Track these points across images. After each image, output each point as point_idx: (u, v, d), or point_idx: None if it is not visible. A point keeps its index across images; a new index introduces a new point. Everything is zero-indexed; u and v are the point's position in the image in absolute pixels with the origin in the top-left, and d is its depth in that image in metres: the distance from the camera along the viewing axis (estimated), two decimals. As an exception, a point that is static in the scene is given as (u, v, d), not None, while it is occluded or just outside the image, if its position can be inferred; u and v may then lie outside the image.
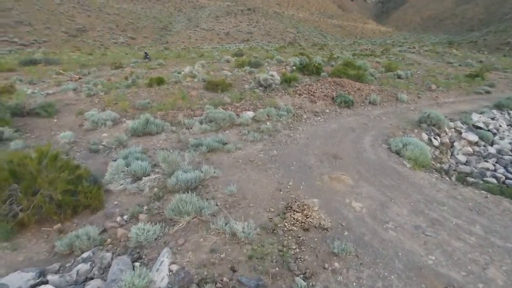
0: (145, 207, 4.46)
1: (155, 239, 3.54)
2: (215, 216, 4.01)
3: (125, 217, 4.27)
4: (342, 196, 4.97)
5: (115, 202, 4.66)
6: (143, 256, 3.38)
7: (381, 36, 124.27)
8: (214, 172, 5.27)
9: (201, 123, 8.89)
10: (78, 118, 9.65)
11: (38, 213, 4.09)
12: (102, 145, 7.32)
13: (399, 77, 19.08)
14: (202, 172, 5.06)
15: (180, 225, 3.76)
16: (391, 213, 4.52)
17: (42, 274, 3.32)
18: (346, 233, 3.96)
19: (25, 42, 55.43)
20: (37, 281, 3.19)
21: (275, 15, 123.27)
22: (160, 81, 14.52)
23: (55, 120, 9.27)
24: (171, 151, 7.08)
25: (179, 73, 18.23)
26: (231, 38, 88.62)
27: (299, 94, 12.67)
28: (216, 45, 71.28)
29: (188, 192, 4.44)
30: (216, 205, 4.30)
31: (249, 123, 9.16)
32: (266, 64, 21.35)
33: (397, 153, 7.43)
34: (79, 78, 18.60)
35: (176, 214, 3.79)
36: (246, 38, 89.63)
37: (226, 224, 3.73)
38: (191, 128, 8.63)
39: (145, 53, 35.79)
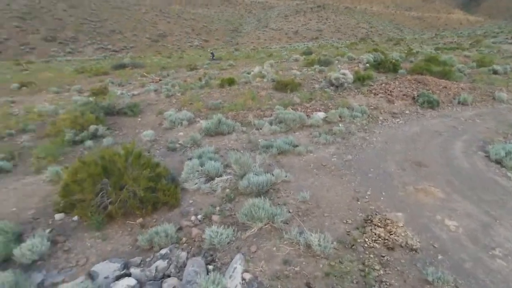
0: (218, 208, 4.50)
1: (228, 243, 3.51)
2: (287, 224, 3.83)
3: (199, 216, 4.36)
4: (431, 211, 4.35)
5: (190, 201, 4.80)
6: (216, 260, 3.37)
7: (469, 26, 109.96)
8: (286, 176, 5.09)
9: (270, 124, 8.81)
10: (158, 118, 10.42)
11: (123, 206, 4.43)
12: (179, 144, 7.73)
13: (495, 72, 16.46)
14: (273, 175, 4.93)
15: (252, 230, 3.68)
16: (497, 236, 3.78)
17: (126, 266, 3.55)
18: (440, 257, 3.42)
19: (116, 48, 62.81)
20: (122, 272, 3.40)
21: (346, 10, 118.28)
22: (231, 82, 14.91)
23: (139, 119, 10.16)
24: (242, 152, 7.14)
25: (249, 73, 18.55)
26: (299, 37, 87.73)
27: (375, 94, 11.77)
28: (285, 44, 71.25)
29: (260, 196, 4.35)
30: (289, 212, 4.11)
31: (320, 124, 8.78)
32: (337, 62, 20.44)
33: (498, 162, 6.31)
34: (159, 80, 20.25)
35: (249, 219, 3.72)
36: (315, 36, 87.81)
37: (300, 234, 3.53)
38: (261, 129, 8.61)
39: (211, 53, 37.37)
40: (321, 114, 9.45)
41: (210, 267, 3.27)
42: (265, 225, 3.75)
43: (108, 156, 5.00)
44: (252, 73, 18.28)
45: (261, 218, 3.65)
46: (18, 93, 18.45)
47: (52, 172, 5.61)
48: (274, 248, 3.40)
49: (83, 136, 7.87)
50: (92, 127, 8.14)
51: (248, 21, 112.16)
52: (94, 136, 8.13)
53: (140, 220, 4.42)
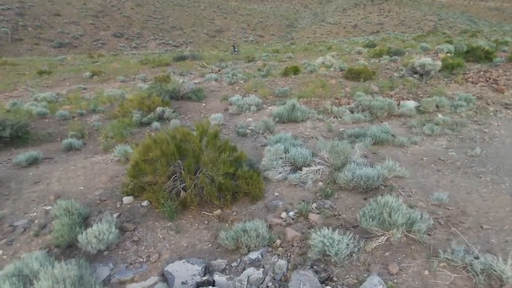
0: (314, 205, 3.52)
1: (348, 255, 2.52)
2: (429, 235, 2.73)
3: (290, 213, 3.44)
4: None
5: (276, 193, 3.91)
6: (335, 278, 2.40)
7: None
8: (398, 171, 3.93)
9: (352, 111, 7.61)
10: (223, 103, 9.79)
11: (199, 194, 3.68)
12: (249, 129, 6.93)
13: None
14: (384, 168, 3.81)
15: (379, 240, 2.64)
16: None
17: (208, 270, 2.75)
18: None
19: (176, 43, 65.33)
20: (203, 279, 2.60)
21: (411, 2, 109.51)
22: (296, 70, 13.84)
23: (203, 104, 9.62)
24: (323, 139, 6.09)
25: (309, 64, 17.34)
26: (358, 31, 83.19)
27: (473, 82, 9.84)
28: (342, 38, 67.95)
29: (367, 193, 3.29)
30: (435, 220, 2.96)
31: (412, 114, 7.35)
32: (407, 53, 18.21)
33: None
34: (219, 70, 19.95)
35: (376, 225, 2.67)
36: (375, 30, 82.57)
37: (465, 253, 2.39)
38: (340, 117, 7.46)
39: (233, 46, 35.85)
40: (412, 103, 7.97)
41: None
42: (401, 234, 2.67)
43: (181, 135, 4.31)
44: (314, 63, 17.02)
45: (396, 223, 2.59)
46: (90, 81, 19.44)
47: (120, 151, 5.13)
48: (426, 272, 2.32)
49: (150, 117, 7.46)
50: (158, 109, 7.71)
51: (304, 16, 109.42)
52: (161, 118, 7.69)
53: (217, 211, 3.63)
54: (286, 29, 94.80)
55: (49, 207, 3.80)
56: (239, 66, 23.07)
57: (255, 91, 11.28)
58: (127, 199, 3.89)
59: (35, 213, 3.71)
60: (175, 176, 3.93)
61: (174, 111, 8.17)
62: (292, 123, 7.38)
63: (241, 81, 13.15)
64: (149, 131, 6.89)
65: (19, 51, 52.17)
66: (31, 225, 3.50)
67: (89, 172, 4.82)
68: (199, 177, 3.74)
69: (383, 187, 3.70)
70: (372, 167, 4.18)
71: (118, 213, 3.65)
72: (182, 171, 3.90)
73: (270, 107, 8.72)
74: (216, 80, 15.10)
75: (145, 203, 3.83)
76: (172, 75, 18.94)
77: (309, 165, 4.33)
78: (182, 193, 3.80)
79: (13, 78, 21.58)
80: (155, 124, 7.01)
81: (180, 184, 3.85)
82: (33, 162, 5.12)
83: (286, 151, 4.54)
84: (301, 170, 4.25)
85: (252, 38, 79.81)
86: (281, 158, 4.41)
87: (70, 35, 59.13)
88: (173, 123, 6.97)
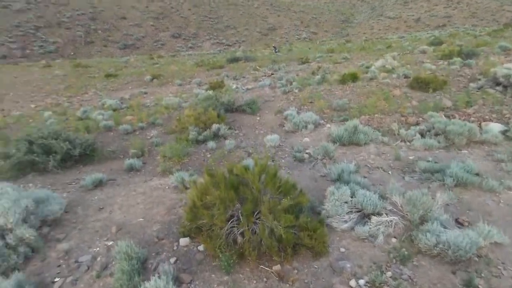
0: (389, 274, 3.06)
1: None
2: None
3: (361, 282, 3.02)
4: None
5: (341, 249, 3.51)
6: None
7: None
8: (496, 237, 3.27)
9: (422, 135, 6.81)
10: (277, 117, 9.50)
11: (258, 246, 3.43)
12: (307, 153, 6.54)
13: None
14: (478, 234, 3.18)
15: None
16: None
17: None
18: None
19: (229, 42, 66.66)
20: None
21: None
22: (354, 77, 13.00)
23: (257, 118, 9.42)
24: (390, 173, 5.48)
25: (367, 67, 16.17)
26: (421, 25, 76.96)
27: None
28: (403, 34, 63.33)
29: (455, 264, 2.74)
30: None
31: (498, 141, 6.32)
32: (482, 53, 15.88)
33: None
34: (272, 74, 19.70)
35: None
36: (441, 24, 75.68)
37: None
38: (409, 142, 6.72)
39: (274, 47, 34.84)
40: (497, 126, 6.88)
41: None
42: None
43: (239, 171, 4.10)
44: (373, 67, 15.82)
45: None
46: (150, 84, 20.56)
47: (178, 178, 5.11)
48: None
49: (206, 135, 7.45)
50: (214, 126, 7.68)
51: (361, 11, 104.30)
52: (216, 136, 7.65)
53: (277, 267, 3.35)
54: (341, 25, 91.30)
55: (110, 243, 3.86)
56: (292, 68, 22.59)
57: (310, 102, 10.81)
58: (183, 241, 3.79)
59: (98, 248, 3.79)
60: (233, 220, 3.74)
61: (229, 128, 8.08)
62: (354, 146, 6.82)
63: (296, 90, 12.73)
64: (204, 151, 6.86)
65: (90, 53, 57.48)
66: (94, 263, 3.57)
67: (148, 200, 4.87)
68: (260, 229, 3.49)
69: (476, 258, 3.10)
70: (460, 226, 3.55)
71: (175, 258, 3.56)
72: (240, 216, 3.70)
73: (328, 125, 8.21)
74: (269, 86, 14.86)
75: (201, 247, 3.70)
76: (226, 80, 19.19)
77: (379, 214, 3.84)
78: (240, 240, 3.60)
79: (85, 81, 23.68)
80: (211, 144, 6.95)
81: (238, 230, 3.65)
82: (98, 184, 5.34)
83: (352, 194, 4.09)
84: (369, 219, 3.79)
85: (305, 36, 78.28)
86: (346, 202, 3.98)
87: (134, 37, 63.54)
88: (229, 144, 6.85)
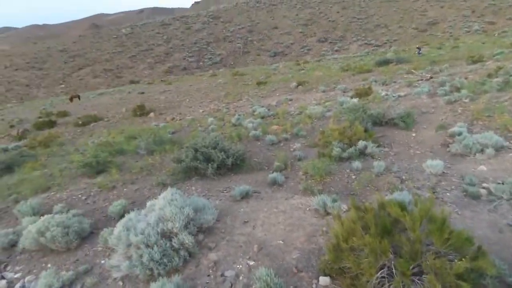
0: None
1: None
2: None
3: None
4: None
5: None
6: None
7: None
8: None
9: None
10: (439, 135, 7.92)
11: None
12: (484, 188, 5.08)
13: None
14: None
15: None
16: None
17: None
18: None
19: (379, 43, 62.05)
20: None
21: None
22: None
23: (413, 135, 8.12)
24: None
25: None
26: None
27: None
28: None
29: None
30: None
31: None
32: None
33: None
34: (430, 77, 16.96)
35: None
36: None
37: None
38: None
39: (418, 47, 32.27)
40: None
41: None
42: None
43: (393, 211, 3.45)
44: None
45: None
46: (295, 91, 21.30)
47: (319, 202, 4.85)
48: None
49: (351, 152, 6.91)
50: (360, 143, 7.03)
51: None
52: (362, 153, 6.99)
53: None
54: (534, 9, 70.25)
55: (252, 263, 3.95)
56: (458, 70, 18.89)
57: (488, 116, 8.55)
58: (323, 281, 3.49)
59: (241, 266, 3.95)
60: (383, 270, 3.16)
61: (378, 145, 7.24)
62: None
63: (466, 100, 10.39)
64: (348, 171, 6.34)
65: (246, 62, 65.04)
66: (236, 281, 3.72)
67: (288, 220, 4.81)
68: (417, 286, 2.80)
69: None
70: None
71: (313, 303, 3.30)
72: (393, 268, 3.08)
73: (518, 151, 6.21)
74: (428, 93, 12.76)
75: (343, 293, 3.29)
76: (374, 85, 17.72)
77: None
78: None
79: (240, 88, 26.81)
80: (356, 164, 6.36)
81: (389, 285, 3.05)
82: (245, 196, 5.68)
83: None
84: None
85: (478, 27, 64.35)
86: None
87: (283, 45, 67.91)
88: (377, 166, 6.09)
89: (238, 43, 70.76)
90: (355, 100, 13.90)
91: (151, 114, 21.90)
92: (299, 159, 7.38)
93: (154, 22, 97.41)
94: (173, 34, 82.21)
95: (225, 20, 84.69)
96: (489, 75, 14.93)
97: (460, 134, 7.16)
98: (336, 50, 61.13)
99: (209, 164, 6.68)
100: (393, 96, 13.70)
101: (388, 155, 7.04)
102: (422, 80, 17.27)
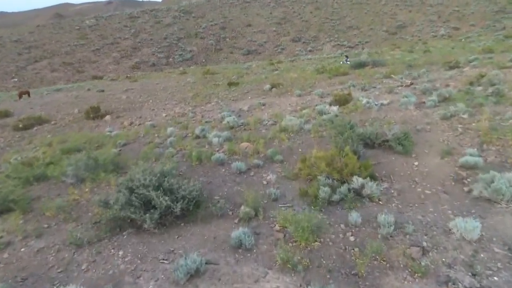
0: None
1: None
2: None
3: None
4: None
5: None
6: None
7: None
8: None
9: None
10: (446, 163, 6.38)
11: None
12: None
13: None
14: None
15: None
16: None
17: None
18: None
19: (351, 44, 61.99)
20: None
21: None
22: None
23: (415, 163, 6.51)
24: None
25: None
26: None
27: None
28: None
29: None
30: None
31: None
32: None
33: None
34: (411, 84, 15.83)
35: None
36: None
37: None
38: None
39: (346, 56, 33.25)
40: None
41: None
42: None
43: None
44: None
45: None
46: (268, 94, 19.45)
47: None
48: None
49: (343, 194, 5.14)
50: (355, 180, 5.28)
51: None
52: (358, 195, 5.25)
53: None
54: (493, 17, 73.41)
55: None
56: (436, 75, 18.04)
57: (498, 139, 7.16)
58: None
59: None
60: None
61: (377, 183, 5.51)
62: None
63: (464, 115, 9.04)
64: (343, 227, 4.55)
65: (218, 59, 62.46)
66: None
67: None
68: None
69: None
70: None
71: None
72: None
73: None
74: (415, 104, 11.37)
75: None
76: (353, 90, 16.32)
77: None
78: None
79: (210, 89, 24.57)
80: (353, 216, 4.56)
81: None
82: (194, 274, 3.73)
83: None
84: None
85: (444, 32, 66.11)
86: None
87: (256, 43, 66.03)
88: (384, 222, 4.32)
89: (210, 39, 67.94)
90: (335, 108, 12.31)
91: (107, 117, 19.14)
92: (275, 199, 5.52)
93: (121, 14, 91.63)
94: (142, 28, 77.56)
95: (197, 15, 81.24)
96: (471, 83, 14.00)
97: (475, 166, 5.65)
98: (310, 50, 60.21)
99: (147, 214, 4.63)
100: (376, 105, 12.26)
101: (391, 196, 5.34)
102: (402, 85, 16.14)
